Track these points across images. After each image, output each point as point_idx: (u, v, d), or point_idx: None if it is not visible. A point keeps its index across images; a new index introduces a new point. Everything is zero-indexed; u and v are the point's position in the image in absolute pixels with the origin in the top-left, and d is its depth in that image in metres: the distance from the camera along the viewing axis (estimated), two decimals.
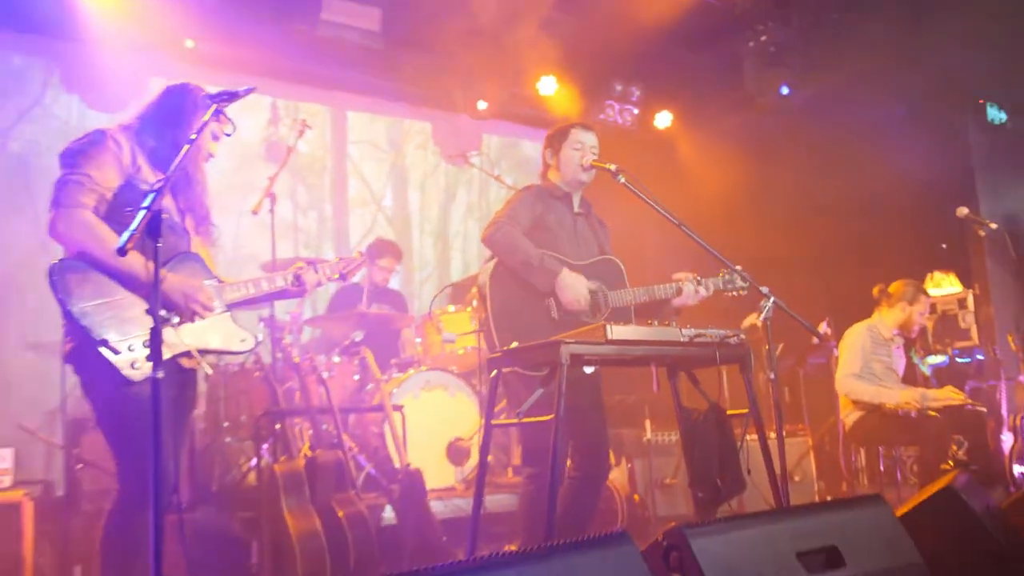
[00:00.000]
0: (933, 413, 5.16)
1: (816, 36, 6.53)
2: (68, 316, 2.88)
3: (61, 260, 2.95)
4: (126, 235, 2.28)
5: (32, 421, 5.58)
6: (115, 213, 3.06)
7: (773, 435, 3.70)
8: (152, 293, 2.28)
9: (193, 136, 2.85)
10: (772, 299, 3.66)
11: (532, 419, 3.07)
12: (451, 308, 5.65)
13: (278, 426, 4.44)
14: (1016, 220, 7.76)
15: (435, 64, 6.75)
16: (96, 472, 4.38)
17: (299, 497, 4.10)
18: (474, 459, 5.31)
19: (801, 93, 6.80)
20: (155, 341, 2.25)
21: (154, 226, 2.26)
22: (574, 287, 3.65)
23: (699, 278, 3.93)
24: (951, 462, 4.06)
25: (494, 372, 3.15)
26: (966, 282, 7.44)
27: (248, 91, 2.96)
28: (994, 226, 5.19)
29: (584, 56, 6.93)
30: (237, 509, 4.43)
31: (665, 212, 3.70)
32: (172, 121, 3.31)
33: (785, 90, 6.73)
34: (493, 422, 3.15)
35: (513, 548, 4.54)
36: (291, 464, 4.16)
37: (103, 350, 2.89)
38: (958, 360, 7.32)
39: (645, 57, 6.90)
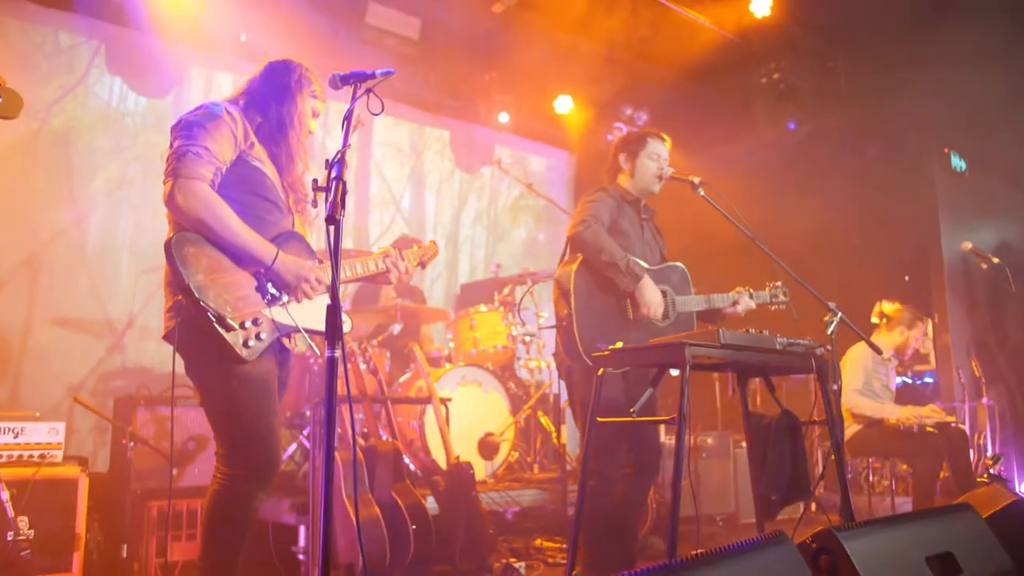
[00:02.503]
0: (931, 429, 5.10)
1: (820, 78, 6.48)
2: (186, 291, 2.55)
3: (179, 233, 2.62)
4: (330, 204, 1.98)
5: (56, 395, 5.16)
6: (227, 188, 2.76)
7: None
8: (333, 267, 2.00)
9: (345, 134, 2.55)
10: (839, 315, 3.54)
11: (647, 418, 2.86)
12: (483, 308, 5.40)
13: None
14: (968, 259, 7.87)
15: (463, 76, 6.52)
16: (146, 451, 3.99)
17: (359, 485, 3.81)
18: (502, 454, 5.07)
19: (804, 129, 6.74)
20: (333, 317, 1.96)
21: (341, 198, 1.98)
22: (652, 295, 3.47)
23: (751, 291, 3.81)
24: (987, 475, 3.99)
25: (601, 370, 2.92)
26: (925, 311, 7.48)
27: (387, 73, 2.68)
28: (996, 260, 5.18)
29: (601, 79, 6.77)
30: (286, 494, 4.10)
31: (739, 224, 3.57)
32: (278, 97, 3.02)
33: (792, 125, 6.67)
34: (600, 419, 2.91)
35: (542, 540, 4.32)
36: (349, 453, 3.86)
37: (219, 327, 2.57)
38: (917, 383, 7.38)
39: (658, 85, 6.77)
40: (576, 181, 8.34)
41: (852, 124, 7.03)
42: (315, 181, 2.22)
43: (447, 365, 5.02)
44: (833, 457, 3.28)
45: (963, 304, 7.76)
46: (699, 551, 1.91)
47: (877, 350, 3.68)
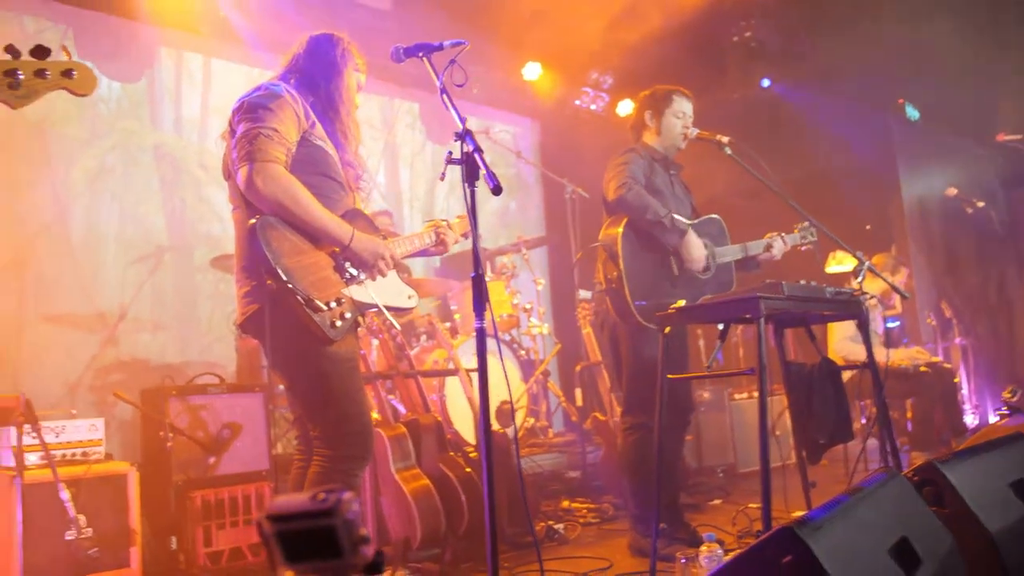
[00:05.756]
0: (924, 368, 5.42)
1: (787, 35, 6.68)
2: (274, 275, 2.55)
3: (262, 216, 2.61)
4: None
5: (55, 393, 5.03)
6: (294, 169, 2.75)
7: None
8: (473, 236, 2.05)
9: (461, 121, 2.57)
10: (867, 263, 3.75)
11: (723, 373, 3.00)
12: (485, 278, 5.45)
13: None
14: (926, 201, 8.28)
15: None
16: (183, 441, 3.96)
17: (406, 460, 3.87)
18: (518, 420, 5.18)
19: (778, 86, 6.94)
20: (478, 288, 2.02)
21: (473, 171, 2.03)
22: (696, 249, 3.63)
23: (783, 235, 4.00)
24: (1006, 407, 4.27)
25: (668, 328, 3.04)
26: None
27: (457, 44, 2.73)
28: (981, 204, 5.49)
29: (568, 45, 6.84)
30: None
31: (768, 181, 3.72)
32: (326, 73, 3.00)
33: (766, 82, 6.86)
34: (670, 376, 3.04)
35: (568, 501, 4.43)
36: (395, 427, 3.91)
37: (308, 309, 2.59)
38: (887, 326, 7.77)
39: (626, 47, 6.86)
40: (542, 148, 8.42)
41: (815, 79, 7.28)
42: (449, 154, 2.26)
43: (460, 336, 5.08)
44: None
45: (922, 250, 8.18)
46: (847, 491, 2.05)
47: (903, 295, 3.91)
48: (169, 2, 5.38)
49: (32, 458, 3.35)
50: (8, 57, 1.86)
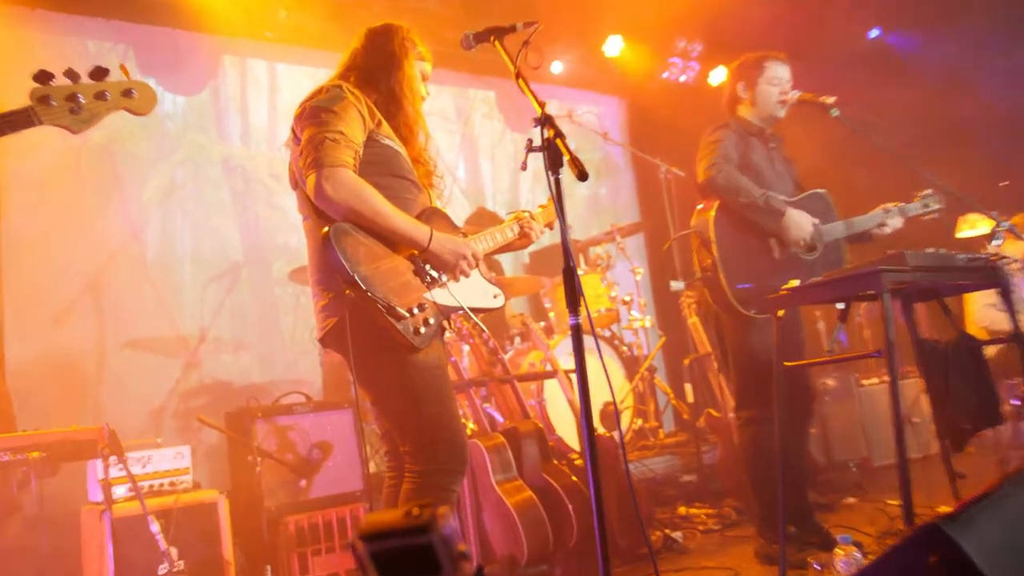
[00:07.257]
0: None
1: None
2: (352, 284, 2.59)
3: (335, 224, 2.65)
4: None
5: (139, 421, 5.25)
6: (363, 172, 2.79)
7: None
8: (561, 227, 2.05)
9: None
10: (1004, 224, 3.59)
11: (846, 357, 2.91)
12: (579, 271, 5.45)
13: None
14: None
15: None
16: (271, 465, 4.08)
17: (507, 471, 3.89)
18: (625, 422, 5.14)
19: (887, 34, 6.69)
20: (570, 282, 2.01)
21: (555, 159, 2.03)
22: (801, 225, 3.54)
23: (902, 205, 3.86)
24: None
25: (781, 312, 2.97)
26: None
27: (529, 25, 2.73)
28: None
29: (650, 13, 6.74)
30: None
31: (884, 144, 3.60)
32: (385, 66, 3.03)
33: (874, 32, 6.62)
34: (787, 363, 2.96)
35: (685, 507, 4.36)
36: (493, 438, 3.93)
37: (390, 317, 2.62)
38: None
39: (713, 10, 6.72)
40: (630, 127, 8.34)
41: (929, 21, 6.98)
42: (529, 141, 2.27)
43: (557, 336, 5.08)
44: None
45: None
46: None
47: None
48: (231, 9, 5.53)
49: (120, 491, 3.50)
50: (68, 82, 1.94)
